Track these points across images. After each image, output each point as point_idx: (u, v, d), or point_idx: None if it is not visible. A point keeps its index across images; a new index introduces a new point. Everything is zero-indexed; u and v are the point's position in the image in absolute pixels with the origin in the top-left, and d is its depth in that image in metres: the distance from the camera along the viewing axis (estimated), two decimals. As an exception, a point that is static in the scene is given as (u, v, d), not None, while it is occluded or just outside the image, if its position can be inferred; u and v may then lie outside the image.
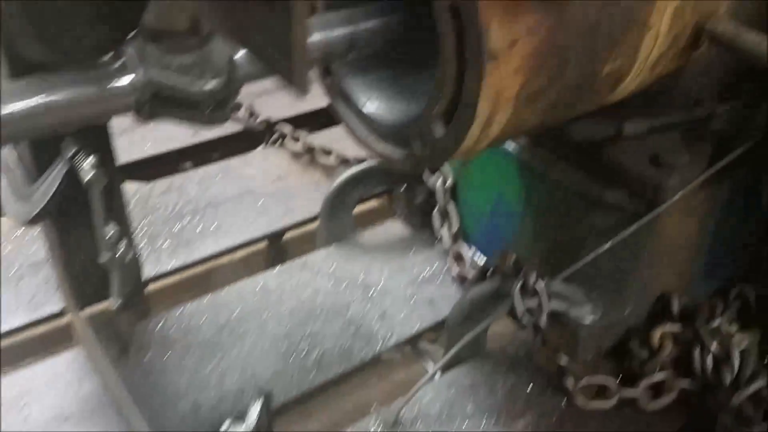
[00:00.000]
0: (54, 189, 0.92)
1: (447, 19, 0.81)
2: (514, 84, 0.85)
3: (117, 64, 0.74)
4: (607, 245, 1.17)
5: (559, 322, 1.20)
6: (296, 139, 1.96)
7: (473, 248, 1.52)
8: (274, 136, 2.02)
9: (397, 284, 1.46)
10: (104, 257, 1.02)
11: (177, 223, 1.68)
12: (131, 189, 1.74)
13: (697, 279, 1.37)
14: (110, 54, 0.76)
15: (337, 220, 1.56)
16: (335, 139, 1.91)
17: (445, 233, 1.53)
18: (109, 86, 0.73)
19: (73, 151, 0.89)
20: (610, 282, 1.25)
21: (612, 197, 1.24)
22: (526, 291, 1.15)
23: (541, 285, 1.15)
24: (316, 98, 1.03)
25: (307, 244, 1.66)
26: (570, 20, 0.85)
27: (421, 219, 1.62)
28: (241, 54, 0.80)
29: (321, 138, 1.97)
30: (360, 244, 1.58)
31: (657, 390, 1.25)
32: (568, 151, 1.29)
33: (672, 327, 1.25)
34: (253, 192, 1.82)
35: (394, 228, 1.64)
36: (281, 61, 0.59)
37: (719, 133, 1.26)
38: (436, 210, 1.55)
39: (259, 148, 2.02)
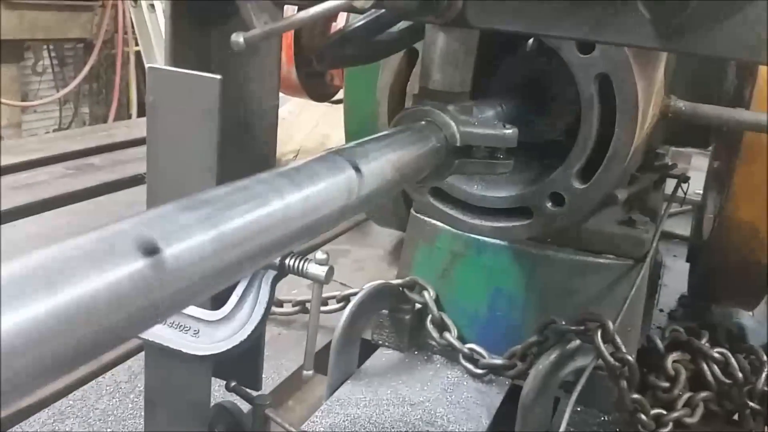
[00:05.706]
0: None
1: (593, 86, 1.02)
2: (640, 136, 1.07)
3: (424, 124, 0.75)
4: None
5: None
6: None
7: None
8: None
9: (435, 396, 1.46)
10: None
11: None
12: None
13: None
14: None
15: (346, 354, 1.51)
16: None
17: (448, 339, 1.58)
18: (427, 145, 0.73)
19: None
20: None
21: (603, 259, 1.50)
22: (607, 339, 1.29)
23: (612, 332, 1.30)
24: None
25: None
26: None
27: (408, 339, 1.65)
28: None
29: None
30: (368, 375, 1.53)
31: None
32: (551, 237, 1.53)
33: (677, 355, 1.50)
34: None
35: (384, 356, 1.63)
36: None
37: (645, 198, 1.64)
38: (429, 321, 1.61)
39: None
